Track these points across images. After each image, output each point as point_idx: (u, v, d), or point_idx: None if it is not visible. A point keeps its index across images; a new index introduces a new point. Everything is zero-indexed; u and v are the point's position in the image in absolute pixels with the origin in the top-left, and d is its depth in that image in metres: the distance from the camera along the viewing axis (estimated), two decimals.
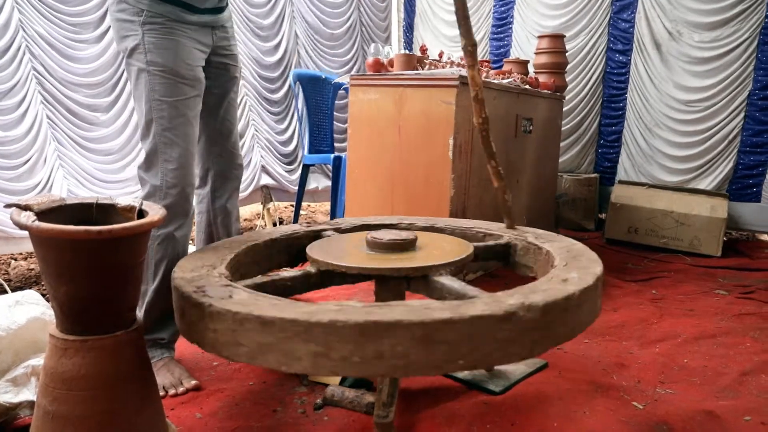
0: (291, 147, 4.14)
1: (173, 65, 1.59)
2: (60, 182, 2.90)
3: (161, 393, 1.55)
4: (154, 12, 1.58)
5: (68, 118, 2.97)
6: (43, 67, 2.87)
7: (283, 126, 4.10)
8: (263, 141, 3.94)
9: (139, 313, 1.34)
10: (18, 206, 1.11)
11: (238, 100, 3.65)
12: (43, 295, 1.82)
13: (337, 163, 3.46)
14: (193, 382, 1.64)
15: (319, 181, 4.29)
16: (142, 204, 1.23)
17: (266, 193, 3.89)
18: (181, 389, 1.61)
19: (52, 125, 2.91)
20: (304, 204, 4.33)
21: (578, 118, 4.29)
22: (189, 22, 1.63)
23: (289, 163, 4.13)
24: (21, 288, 2.53)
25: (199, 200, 1.91)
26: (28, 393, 1.41)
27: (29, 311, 1.57)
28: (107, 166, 3.10)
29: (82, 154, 3.01)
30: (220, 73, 1.79)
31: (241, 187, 3.69)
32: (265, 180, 3.92)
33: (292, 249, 1.56)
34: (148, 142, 1.62)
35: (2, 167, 2.70)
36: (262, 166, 3.91)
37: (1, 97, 2.72)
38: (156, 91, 1.59)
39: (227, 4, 1.78)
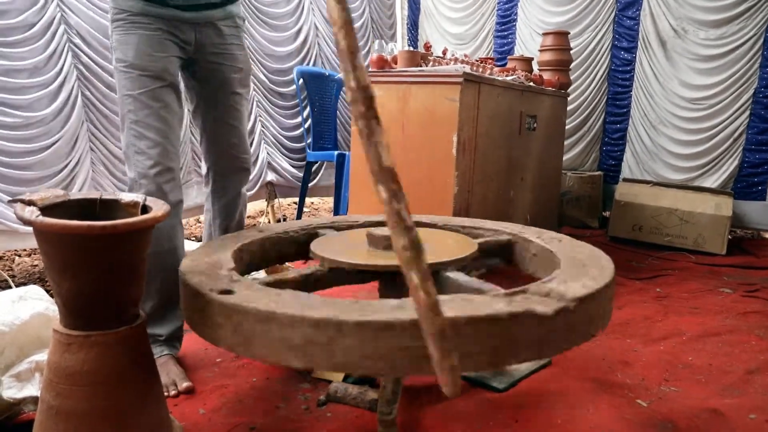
0: (303, 143, 4.03)
1: (133, 59, 1.58)
2: (87, 168, 2.78)
3: None
4: (119, 8, 1.58)
5: (105, 94, 2.82)
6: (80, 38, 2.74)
7: (297, 120, 3.99)
8: (270, 137, 3.89)
9: None
10: (22, 201, 1.11)
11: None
12: (47, 291, 1.82)
13: (341, 160, 3.46)
14: (185, 384, 1.61)
15: (326, 178, 4.24)
16: (146, 199, 1.23)
17: (270, 190, 3.87)
18: (173, 391, 1.59)
19: (88, 104, 2.77)
20: (306, 201, 4.31)
21: (583, 115, 4.28)
22: (157, 15, 1.60)
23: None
24: (25, 284, 2.53)
25: (205, 198, 1.90)
26: (32, 388, 1.41)
27: (33, 307, 1.57)
28: None
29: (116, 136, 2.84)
30: (212, 73, 1.75)
31: (249, 185, 3.60)
32: (272, 177, 3.86)
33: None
34: (123, 137, 1.63)
35: (25, 152, 2.55)
36: (269, 163, 3.86)
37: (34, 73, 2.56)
38: (123, 87, 1.60)
39: (223, 3, 1.71)
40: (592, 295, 0.98)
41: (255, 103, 3.77)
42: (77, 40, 2.76)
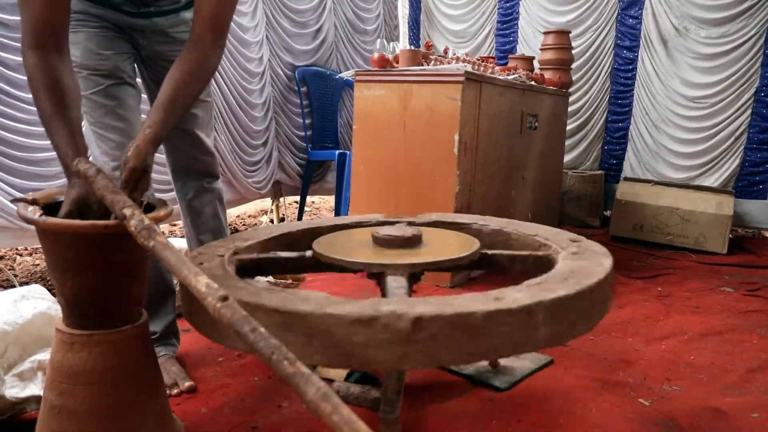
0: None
1: (81, 59, 1.52)
2: None
3: None
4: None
5: None
6: None
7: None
8: (282, 135, 3.82)
9: None
10: (24, 200, 1.11)
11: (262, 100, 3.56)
12: (50, 290, 1.82)
13: (342, 159, 3.46)
14: (187, 384, 1.61)
15: (331, 178, 4.20)
16: (149, 198, 1.23)
17: (277, 189, 3.85)
18: (175, 390, 1.58)
19: None
20: (308, 200, 4.30)
21: (585, 115, 4.28)
22: (99, 16, 1.53)
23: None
24: (27, 283, 2.53)
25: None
26: (35, 388, 1.41)
27: (35, 306, 1.57)
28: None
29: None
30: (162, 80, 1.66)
31: (260, 185, 3.56)
32: (279, 175, 3.81)
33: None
34: (87, 138, 1.59)
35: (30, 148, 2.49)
36: (279, 162, 3.83)
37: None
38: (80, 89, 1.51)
39: (173, 10, 1.62)
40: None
41: (271, 100, 3.71)
42: None
